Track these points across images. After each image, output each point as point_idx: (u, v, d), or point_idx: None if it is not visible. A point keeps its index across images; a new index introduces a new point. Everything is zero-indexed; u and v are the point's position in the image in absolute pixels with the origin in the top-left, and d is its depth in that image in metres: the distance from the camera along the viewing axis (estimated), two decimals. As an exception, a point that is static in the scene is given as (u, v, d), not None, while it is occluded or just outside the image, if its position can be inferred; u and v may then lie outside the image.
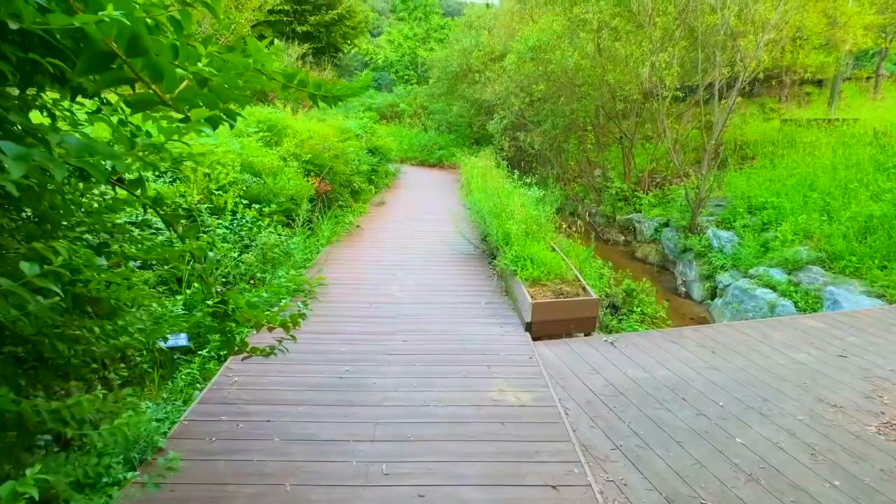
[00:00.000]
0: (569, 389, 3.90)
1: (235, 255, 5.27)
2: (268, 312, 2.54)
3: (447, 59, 19.02)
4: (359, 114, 21.61)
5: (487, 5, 20.77)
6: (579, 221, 9.66)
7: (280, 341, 2.60)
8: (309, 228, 7.63)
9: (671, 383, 4.01)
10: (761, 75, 10.15)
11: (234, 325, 2.51)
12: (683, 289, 9.19)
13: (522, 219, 6.21)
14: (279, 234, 5.85)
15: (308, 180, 7.79)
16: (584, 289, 5.32)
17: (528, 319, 4.86)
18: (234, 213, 5.81)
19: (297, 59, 16.01)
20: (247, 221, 5.77)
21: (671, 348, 4.64)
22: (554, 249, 6.25)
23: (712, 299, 8.41)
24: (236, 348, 2.51)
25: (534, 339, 4.76)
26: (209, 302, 2.40)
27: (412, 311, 5.31)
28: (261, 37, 15.34)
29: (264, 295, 3.54)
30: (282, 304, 2.83)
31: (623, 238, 12.68)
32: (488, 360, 4.28)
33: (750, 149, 12.87)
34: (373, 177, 12.58)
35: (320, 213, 8.18)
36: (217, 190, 5.90)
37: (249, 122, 8.33)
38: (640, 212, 12.32)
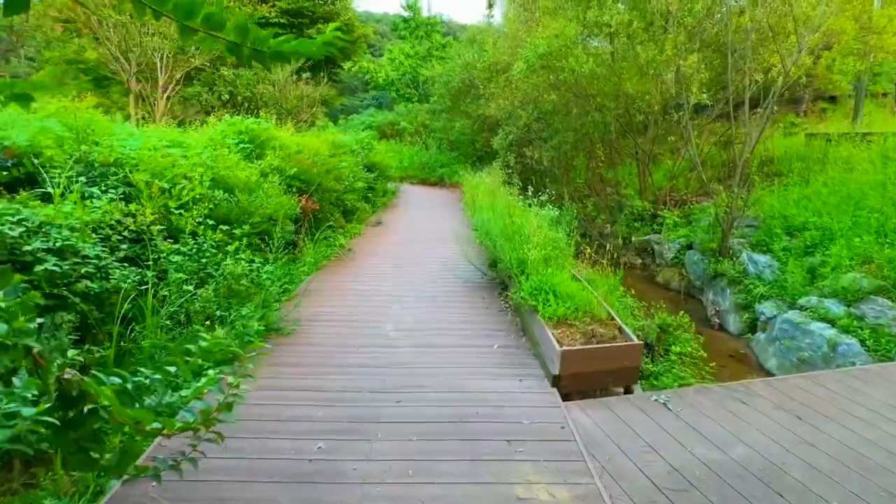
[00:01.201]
0: (620, 479, 2.85)
1: (192, 288, 4.27)
2: (169, 401, 1.54)
3: (449, 74, 18.33)
4: (358, 131, 20.91)
5: (489, 14, 20.16)
6: (592, 243, 8.70)
7: (194, 446, 1.63)
8: (291, 252, 6.66)
9: (757, 468, 2.96)
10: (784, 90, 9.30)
11: (102, 432, 1.49)
12: (717, 320, 8.14)
13: (540, 243, 5.22)
14: (250, 261, 4.86)
15: (293, 198, 6.84)
16: (620, 330, 4.31)
17: (556, 372, 3.82)
18: (195, 235, 4.83)
19: (291, 73, 15.29)
20: (211, 246, 4.78)
21: (742, 411, 3.59)
22: (577, 279, 5.25)
23: (752, 332, 7.36)
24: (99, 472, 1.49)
25: (563, 396, 3.72)
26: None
27: (409, 357, 4.28)
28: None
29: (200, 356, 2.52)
30: (204, 378, 1.81)
31: (640, 261, 11.68)
32: (508, 432, 3.23)
33: (775, 165, 11.97)
34: (369, 195, 11.67)
35: (306, 234, 7.21)
36: (177, 208, 4.93)
37: (228, 133, 7.43)
38: (660, 233, 11.36)
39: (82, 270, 3.50)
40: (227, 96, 16.12)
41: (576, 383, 3.84)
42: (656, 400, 3.72)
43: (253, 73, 15.82)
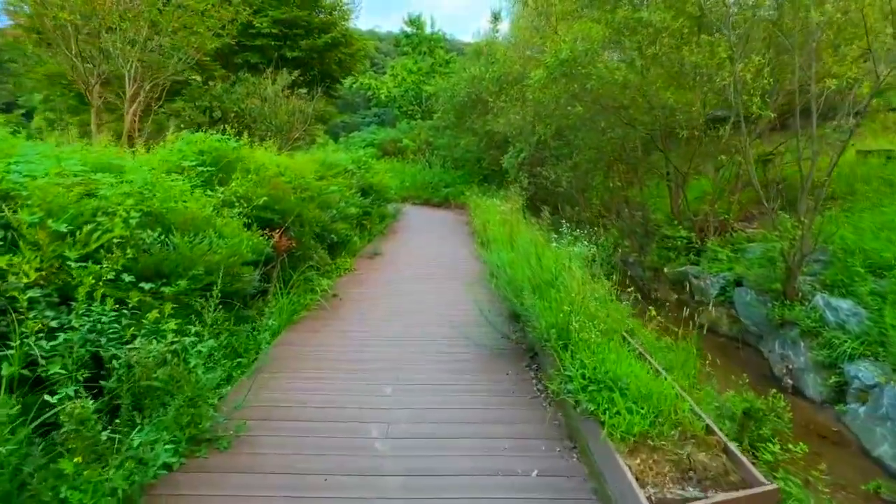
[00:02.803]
0: None
1: (71, 390, 2.78)
2: None
3: (454, 88, 17.08)
4: (358, 149, 19.66)
5: (494, 28, 19.00)
6: (616, 273, 7.20)
7: None
8: (260, 304, 5.20)
9: None
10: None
11: None
12: (789, 380, 6.58)
13: (586, 301, 3.73)
14: (180, 332, 3.37)
15: (261, 234, 5.41)
16: (726, 453, 2.79)
17: (645, 547, 2.30)
18: (101, 298, 3.36)
19: (283, 88, 14.03)
20: (122, 315, 3.31)
21: None
22: (643, 356, 3.74)
23: (842, 401, 5.81)
24: None
25: None
26: None
27: (401, 496, 2.76)
28: (246, 63, 13.14)
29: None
30: None
31: (675, 297, 10.17)
32: None
33: (826, 186, 10.49)
34: (365, 221, 10.24)
35: (278, 280, 5.74)
36: (79, 260, 3.49)
37: (187, 153, 6.03)
38: (697, 264, 9.85)
39: None
40: (218, 113, 14.89)
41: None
42: None
43: (244, 88, 14.58)
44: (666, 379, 3.20)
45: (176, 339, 3.27)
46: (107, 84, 9.90)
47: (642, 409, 2.96)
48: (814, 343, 6.41)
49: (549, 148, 12.26)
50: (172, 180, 5.04)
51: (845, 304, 6.45)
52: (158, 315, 3.39)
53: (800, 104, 6.94)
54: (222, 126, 7.44)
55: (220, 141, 6.34)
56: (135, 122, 9.67)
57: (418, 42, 31.94)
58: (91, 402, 2.68)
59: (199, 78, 14.76)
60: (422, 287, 7.17)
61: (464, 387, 4.09)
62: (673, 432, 2.88)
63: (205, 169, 5.89)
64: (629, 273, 11.19)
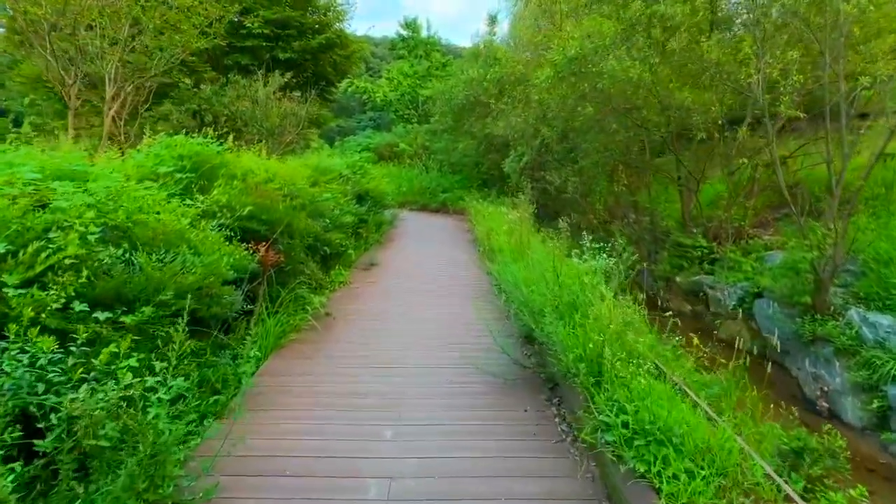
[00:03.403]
0: None
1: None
2: None
3: (451, 90, 16.59)
4: (354, 153, 19.11)
5: (490, 31, 18.49)
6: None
7: None
8: (244, 326, 4.62)
9: None
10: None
11: None
12: (824, 403, 6.06)
13: (625, 338, 3.17)
14: (132, 379, 2.79)
15: (245, 248, 4.84)
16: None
17: None
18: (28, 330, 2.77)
19: (276, 90, 13.48)
20: (65, 354, 2.73)
21: None
22: (680, 388, 3.19)
23: (888, 429, 5.29)
24: None
25: None
26: None
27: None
28: (237, 65, 12.48)
29: None
30: None
31: (690, 308, 9.67)
32: None
33: (845, 191, 10.01)
34: (361, 229, 9.68)
35: (265, 299, 5.16)
36: (20, 286, 2.91)
37: (165, 159, 5.46)
38: (713, 273, 9.36)
39: None
40: (209, 117, 14.31)
41: None
42: None
43: (235, 90, 14.01)
44: (725, 429, 2.64)
45: (134, 382, 2.69)
46: (92, 87, 9.32)
47: (702, 468, 2.41)
48: (851, 362, 5.90)
49: (552, 152, 11.75)
50: (146, 188, 4.47)
51: (886, 321, 5.94)
52: (116, 350, 2.81)
53: (828, 103, 6.45)
54: (209, 129, 6.86)
55: (201, 144, 5.78)
56: (117, 124, 9.08)
57: (414, 45, 31.48)
58: (13, 472, 2.10)
59: (188, 80, 14.19)
60: (423, 302, 6.61)
61: (477, 427, 3.52)
62: (740, 500, 2.33)
63: (184, 175, 5.31)
64: (636, 281, 10.68)
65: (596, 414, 2.91)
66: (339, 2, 16.48)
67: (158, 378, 2.91)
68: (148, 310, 3.35)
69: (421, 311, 6.24)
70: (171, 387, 2.90)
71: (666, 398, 2.76)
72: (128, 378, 2.71)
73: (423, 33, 31.82)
